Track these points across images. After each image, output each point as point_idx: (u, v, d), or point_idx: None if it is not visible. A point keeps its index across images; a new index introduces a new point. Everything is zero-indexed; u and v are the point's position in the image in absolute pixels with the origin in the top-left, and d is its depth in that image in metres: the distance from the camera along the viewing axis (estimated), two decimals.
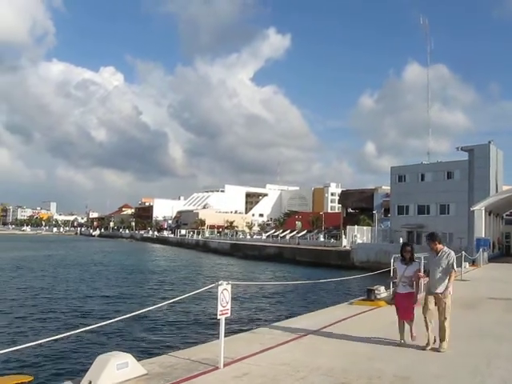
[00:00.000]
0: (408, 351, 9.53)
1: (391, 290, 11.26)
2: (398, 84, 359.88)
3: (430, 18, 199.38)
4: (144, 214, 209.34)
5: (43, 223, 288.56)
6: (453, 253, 9.63)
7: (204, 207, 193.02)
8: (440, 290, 9.51)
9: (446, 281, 9.50)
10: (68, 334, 8.40)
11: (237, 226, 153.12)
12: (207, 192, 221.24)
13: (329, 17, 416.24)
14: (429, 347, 9.56)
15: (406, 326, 10.13)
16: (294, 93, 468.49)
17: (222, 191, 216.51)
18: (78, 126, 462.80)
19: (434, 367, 8.42)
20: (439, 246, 9.67)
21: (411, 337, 10.04)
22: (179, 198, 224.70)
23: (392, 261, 10.57)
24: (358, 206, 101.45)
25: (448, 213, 65.31)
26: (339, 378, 7.47)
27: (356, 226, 75.02)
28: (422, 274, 10.00)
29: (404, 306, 10.01)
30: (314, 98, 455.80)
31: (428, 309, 9.61)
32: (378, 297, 16.36)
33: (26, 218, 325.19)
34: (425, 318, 9.60)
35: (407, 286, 9.98)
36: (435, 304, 9.62)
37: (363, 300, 16.09)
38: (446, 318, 9.42)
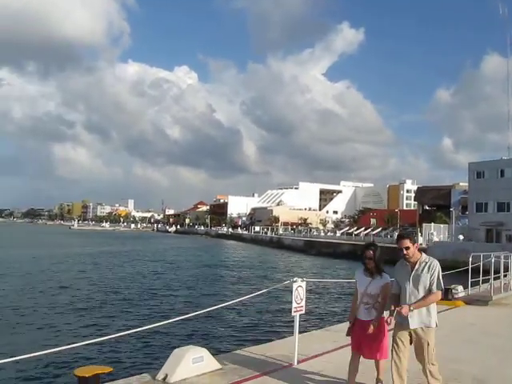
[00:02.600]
0: (487, 354, 9.25)
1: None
2: (475, 76, 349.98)
3: (510, 7, 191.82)
4: (219, 211, 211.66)
5: (121, 219, 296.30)
6: (436, 262, 6.36)
7: (278, 204, 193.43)
8: (422, 321, 6.31)
9: (431, 307, 6.41)
10: (145, 327, 8.61)
11: (311, 223, 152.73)
12: (281, 189, 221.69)
13: (402, 11, 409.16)
14: None
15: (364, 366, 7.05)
16: (367, 87, 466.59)
17: (296, 188, 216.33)
18: (153, 124, 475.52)
19: None
20: (416, 253, 6.36)
21: None
22: (253, 195, 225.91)
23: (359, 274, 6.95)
24: (435, 203, 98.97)
25: None
26: (414, 378, 7.32)
27: (432, 224, 73.31)
28: (403, 308, 6.15)
29: (367, 338, 6.62)
30: (388, 93, 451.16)
31: (399, 350, 6.36)
32: (456, 296, 16.02)
33: (105, 214, 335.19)
34: (393, 363, 6.41)
35: (371, 309, 6.69)
36: (410, 343, 6.44)
37: (440, 299, 15.73)
38: (432, 365, 6.38)
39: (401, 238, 6.42)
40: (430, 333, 6.31)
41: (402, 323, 6.31)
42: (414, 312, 6.19)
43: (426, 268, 6.27)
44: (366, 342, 6.67)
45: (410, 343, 6.41)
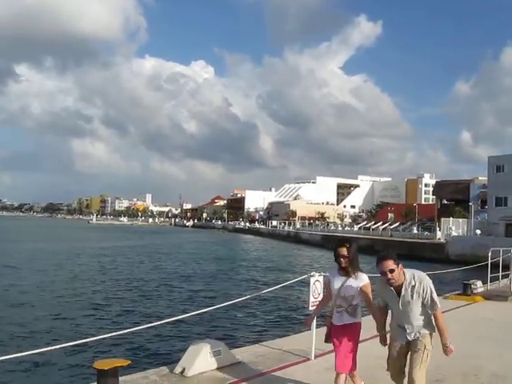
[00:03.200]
0: (506, 350, 9.18)
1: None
2: (495, 68, 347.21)
3: None
4: (236, 206, 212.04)
5: (139, 214, 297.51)
6: (426, 282, 5.35)
7: (295, 198, 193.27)
8: (418, 331, 5.46)
9: (427, 323, 5.48)
10: (163, 321, 8.66)
11: (328, 218, 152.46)
12: (298, 183, 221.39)
13: (420, 4, 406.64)
14: None
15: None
16: (384, 81, 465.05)
17: (314, 182, 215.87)
18: (170, 118, 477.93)
19: None
20: (401, 275, 5.27)
21: None
22: (270, 190, 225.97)
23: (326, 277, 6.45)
24: (453, 198, 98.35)
25: None
26: (434, 374, 7.29)
27: (451, 218, 72.89)
28: (449, 349, 5.46)
29: (342, 346, 5.93)
30: (405, 86, 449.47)
31: (395, 364, 5.69)
32: (475, 291, 15.91)
33: (123, 208, 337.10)
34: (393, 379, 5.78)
35: (344, 312, 5.94)
36: (406, 354, 5.59)
37: (459, 294, 15.68)
38: (418, 371, 5.33)
39: (383, 258, 5.28)
40: (427, 337, 5.48)
41: (398, 338, 5.62)
42: (410, 327, 5.46)
43: (416, 293, 5.29)
44: (341, 351, 5.91)
45: (406, 354, 5.60)
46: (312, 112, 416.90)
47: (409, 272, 5.36)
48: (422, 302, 5.33)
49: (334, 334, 6.04)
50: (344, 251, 5.88)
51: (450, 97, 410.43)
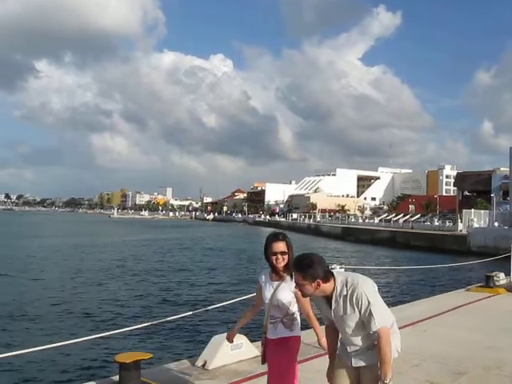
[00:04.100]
0: None
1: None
2: None
3: None
4: (256, 199, 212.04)
5: (160, 208, 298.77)
6: (360, 291, 3.90)
7: (315, 191, 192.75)
8: (371, 359, 4.07)
9: (372, 344, 4.04)
10: (184, 314, 8.70)
11: (348, 210, 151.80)
12: (318, 176, 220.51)
13: None
14: None
15: None
16: (404, 72, 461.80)
17: (334, 175, 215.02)
18: (190, 112, 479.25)
19: None
20: (325, 287, 3.94)
21: None
22: (290, 182, 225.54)
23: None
24: (475, 189, 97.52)
25: None
26: (454, 366, 7.26)
27: (472, 210, 72.20)
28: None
29: (275, 366, 4.79)
30: (425, 77, 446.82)
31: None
32: (497, 283, 15.77)
33: (143, 202, 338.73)
34: None
35: (278, 323, 4.80)
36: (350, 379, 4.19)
37: (481, 287, 15.56)
38: None
39: (294, 267, 4.04)
40: (377, 368, 4.07)
41: (342, 358, 4.27)
42: (351, 348, 4.12)
43: (349, 306, 3.93)
44: (276, 373, 4.77)
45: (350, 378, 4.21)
46: (331, 104, 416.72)
47: (341, 277, 4.05)
48: (362, 322, 3.96)
49: (269, 351, 4.83)
50: (281, 247, 4.76)
51: (470, 87, 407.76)
